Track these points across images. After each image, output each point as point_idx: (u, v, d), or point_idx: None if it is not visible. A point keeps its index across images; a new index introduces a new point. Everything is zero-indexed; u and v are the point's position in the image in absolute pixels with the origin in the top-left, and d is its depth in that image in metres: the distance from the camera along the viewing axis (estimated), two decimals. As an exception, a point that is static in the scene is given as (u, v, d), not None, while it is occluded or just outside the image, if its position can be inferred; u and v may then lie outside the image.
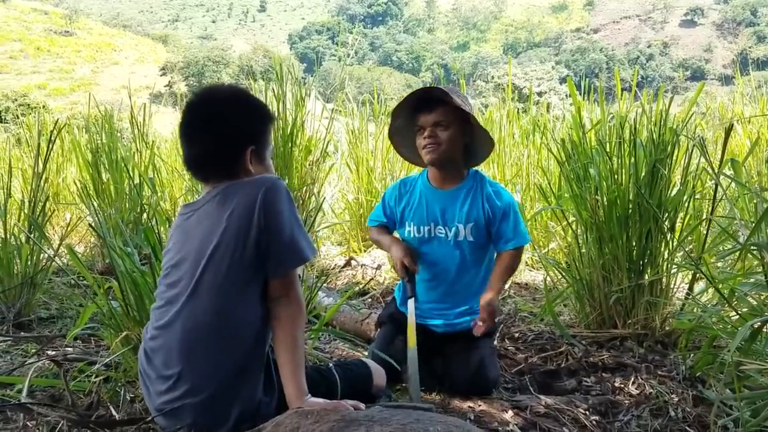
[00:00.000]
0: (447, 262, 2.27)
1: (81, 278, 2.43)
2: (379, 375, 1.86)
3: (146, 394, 1.54)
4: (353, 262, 4.39)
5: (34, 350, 2.39)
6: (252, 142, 1.59)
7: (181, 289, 1.49)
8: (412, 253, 2.26)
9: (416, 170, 4.47)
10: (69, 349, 2.42)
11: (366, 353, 2.45)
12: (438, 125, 2.16)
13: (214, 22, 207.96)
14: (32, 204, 2.95)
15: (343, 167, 5.46)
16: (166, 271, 1.57)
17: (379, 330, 2.45)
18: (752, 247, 1.77)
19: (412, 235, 2.31)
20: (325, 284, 3.44)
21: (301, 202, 4.27)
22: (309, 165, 4.28)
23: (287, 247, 1.48)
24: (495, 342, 2.61)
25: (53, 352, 2.34)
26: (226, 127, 1.58)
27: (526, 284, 3.82)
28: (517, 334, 2.77)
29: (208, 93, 1.63)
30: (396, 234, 2.44)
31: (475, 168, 2.36)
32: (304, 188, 4.21)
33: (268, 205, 1.46)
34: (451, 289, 2.27)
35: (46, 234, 4.00)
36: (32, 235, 2.86)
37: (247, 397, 1.48)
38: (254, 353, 1.51)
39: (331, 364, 1.79)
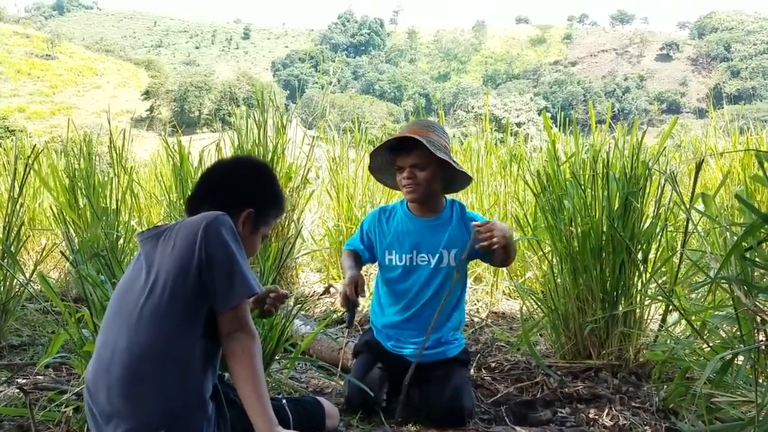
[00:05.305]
0: (423, 291, 2.29)
1: (53, 305, 2.40)
2: (332, 414, 1.84)
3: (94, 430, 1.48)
4: (332, 290, 4.38)
5: (4, 378, 2.35)
6: (254, 206, 1.65)
7: (121, 324, 1.44)
8: (359, 283, 2.22)
9: (396, 195, 4.50)
10: (40, 377, 2.38)
11: (342, 383, 2.44)
12: (416, 167, 2.22)
13: (197, 48, 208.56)
14: (7, 229, 2.91)
15: (324, 194, 5.48)
16: (111, 301, 1.55)
17: (356, 359, 2.44)
18: (722, 281, 1.80)
19: (393, 263, 2.34)
20: (302, 312, 3.42)
21: (280, 228, 4.27)
22: (289, 191, 4.30)
23: (231, 279, 1.45)
24: (471, 372, 2.61)
25: (24, 381, 2.29)
26: (240, 181, 1.70)
27: (503, 313, 3.83)
28: (493, 364, 2.77)
29: (238, 157, 1.84)
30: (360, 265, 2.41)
31: (452, 198, 2.43)
32: (284, 215, 4.22)
33: (210, 238, 1.45)
34: (422, 316, 2.28)
35: (21, 259, 3.94)
36: (5, 262, 2.82)
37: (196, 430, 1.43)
38: (197, 391, 1.46)
39: (283, 400, 1.75)
